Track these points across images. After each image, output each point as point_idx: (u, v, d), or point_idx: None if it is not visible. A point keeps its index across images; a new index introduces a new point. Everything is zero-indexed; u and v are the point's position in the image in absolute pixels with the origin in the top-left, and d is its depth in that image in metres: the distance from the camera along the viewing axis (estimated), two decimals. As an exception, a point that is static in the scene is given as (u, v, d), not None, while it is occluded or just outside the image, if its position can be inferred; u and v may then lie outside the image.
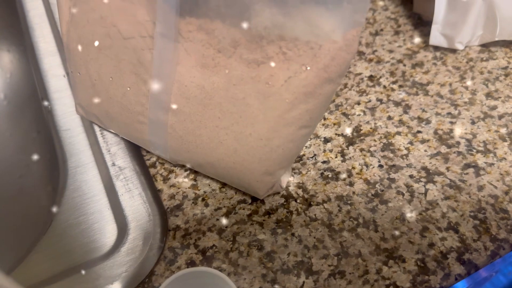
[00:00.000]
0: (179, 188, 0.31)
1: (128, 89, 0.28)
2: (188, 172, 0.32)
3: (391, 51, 0.40)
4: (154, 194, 0.31)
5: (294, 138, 0.26)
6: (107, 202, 0.30)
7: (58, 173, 0.32)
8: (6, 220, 0.49)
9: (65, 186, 0.31)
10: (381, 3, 0.44)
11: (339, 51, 0.23)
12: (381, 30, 0.42)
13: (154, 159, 0.33)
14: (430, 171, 0.32)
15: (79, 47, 0.29)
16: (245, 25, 0.24)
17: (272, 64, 0.24)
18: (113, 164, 0.32)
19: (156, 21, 0.25)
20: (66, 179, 0.31)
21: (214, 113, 0.26)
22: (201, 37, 0.25)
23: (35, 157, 0.55)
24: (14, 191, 0.53)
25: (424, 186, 0.31)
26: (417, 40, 0.41)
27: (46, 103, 0.36)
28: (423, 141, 0.33)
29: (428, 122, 0.34)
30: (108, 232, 0.29)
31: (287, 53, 0.24)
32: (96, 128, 0.34)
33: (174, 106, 0.27)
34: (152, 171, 0.32)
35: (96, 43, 0.28)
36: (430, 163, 0.32)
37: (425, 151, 0.33)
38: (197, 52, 0.26)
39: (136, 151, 0.33)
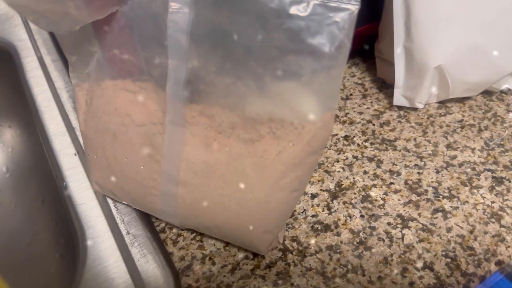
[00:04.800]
0: (187, 250, 0.35)
1: (142, 167, 0.33)
2: (194, 234, 0.36)
3: (361, 113, 0.46)
4: (166, 257, 0.34)
5: (287, 200, 0.31)
6: (125, 268, 0.34)
7: (78, 245, 0.36)
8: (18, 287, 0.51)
9: (86, 256, 0.35)
10: (348, 70, 0.51)
11: (318, 129, 0.28)
12: (351, 94, 0.48)
13: (163, 224, 0.37)
14: (405, 218, 0.37)
15: (96, 134, 0.34)
16: (240, 111, 0.29)
17: (265, 141, 0.29)
18: (128, 233, 0.36)
19: (166, 112, 0.31)
20: (86, 249, 0.35)
21: (218, 184, 0.31)
22: (204, 121, 0.30)
23: (41, 225, 0.58)
24: (23, 259, 0.56)
25: (401, 231, 0.36)
26: (383, 101, 0.47)
27: (63, 183, 0.40)
28: (396, 191, 0.38)
29: (398, 174, 0.40)
30: (128, 297, 0.32)
31: (276, 132, 0.29)
32: (110, 201, 0.38)
33: (183, 180, 0.32)
34: (162, 236, 0.36)
35: (112, 131, 0.33)
36: (404, 210, 0.37)
37: (399, 200, 0.38)
38: (201, 134, 0.31)
39: (147, 219, 0.37)
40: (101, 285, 0.33)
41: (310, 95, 0.27)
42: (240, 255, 0.34)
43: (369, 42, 0.49)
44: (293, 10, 0.25)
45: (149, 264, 0.34)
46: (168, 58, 0.29)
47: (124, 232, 0.36)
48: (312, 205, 0.38)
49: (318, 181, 0.39)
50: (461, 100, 0.47)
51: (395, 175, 0.40)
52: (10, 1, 0.26)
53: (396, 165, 0.41)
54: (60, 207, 0.43)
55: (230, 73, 0.28)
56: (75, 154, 0.42)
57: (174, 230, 0.36)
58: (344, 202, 0.38)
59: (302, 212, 0.37)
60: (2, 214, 0.60)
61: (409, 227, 0.36)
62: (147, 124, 0.32)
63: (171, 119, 0.31)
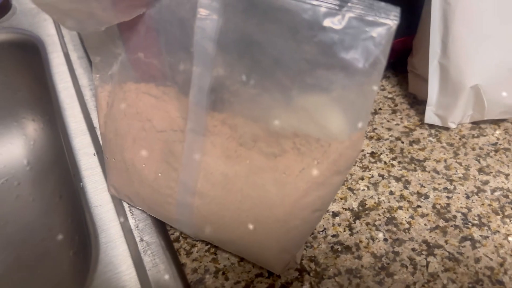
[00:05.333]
0: (201, 262, 0.34)
1: (159, 174, 0.32)
2: (209, 246, 0.35)
3: (389, 129, 0.44)
4: (179, 268, 0.33)
5: (308, 220, 0.29)
6: (136, 277, 0.33)
7: (91, 248, 0.35)
8: (31, 282, 0.51)
9: (97, 261, 0.34)
10: (379, 84, 0.49)
11: (346, 149, 0.26)
12: (380, 109, 0.46)
13: (177, 233, 0.36)
14: (430, 244, 0.35)
15: (116, 137, 0.33)
16: (264, 124, 0.28)
17: (288, 157, 0.28)
18: (141, 240, 0.35)
19: (187, 119, 0.30)
20: (98, 253, 0.34)
21: (236, 197, 0.30)
22: (225, 131, 0.29)
23: (57, 220, 0.58)
24: (36, 254, 0.56)
25: (426, 258, 0.34)
26: (413, 118, 0.45)
27: (80, 183, 0.39)
28: (422, 215, 0.37)
29: (426, 197, 0.38)
30: (137, 307, 0.31)
31: (301, 149, 0.27)
32: (125, 205, 0.37)
33: (200, 190, 0.31)
34: (176, 245, 0.35)
35: (132, 135, 0.32)
36: (430, 236, 0.35)
37: (425, 224, 0.36)
38: (222, 145, 0.30)
39: (162, 227, 0.36)
40: (114, 286, 0.32)
41: (339, 112, 0.26)
42: (255, 272, 0.33)
43: (402, 56, 0.47)
44: (327, 22, 0.23)
45: (160, 275, 0.33)
46: (193, 65, 0.27)
47: (137, 239, 0.35)
48: (333, 224, 0.36)
49: (341, 198, 0.38)
50: (496, 122, 0.44)
51: (422, 197, 0.38)
52: (36, 0, 0.25)
53: (424, 187, 0.39)
54: (77, 204, 0.42)
55: (256, 84, 0.27)
56: (94, 155, 0.42)
57: (189, 240, 0.35)
58: (367, 223, 0.36)
59: (322, 231, 0.35)
60: (20, 207, 0.60)
61: (434, 255, 0.34)
62: (168, 130, 0.31)
63: (192, 127, 0.30)
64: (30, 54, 0.59)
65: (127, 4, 0.27)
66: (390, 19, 0.23)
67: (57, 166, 0.60)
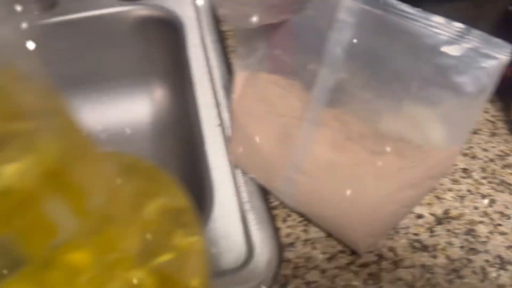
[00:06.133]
0: (293, 230, 0.40)
1: (274, 151, 0.38)
2: (302, 218, 0.41)
3: (485, 150, 0.46)
4: (275, 231, 0.40)
5: (397, 213, 0.34)
6: (242, 230, 0.40)
7: (206, 202, 0.43)
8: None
9: (211, 211, 0.41)
10: (483, 105, 0.51)
11: (443, 158, 0.31)
12: (479, 130, 0.48)
13: (276, 203, 0.42)
14: (504, 260, 0.37)
15: (243, 115, 0.40)
16: (372, 124, 0.33)
17: (389, 156, 0.33)
18: (248, 201, 0.42)
19: (306, 110, 0.35)
20: (212, 207, 0.42)
21: (335, 182, 0.35)
22: (336, 125, 0.35)
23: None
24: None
25: (497, 271, 0.37)
26: (511, 144, 0.47)
27: (203, 147, 0.47)
28: (502, 233, 0.39)
29: (509, 217, 0.40)
30: (238, 255, 0.38)
31: (401, 151, 0.32)
32: (238, 171, 0.44)
33: (306, 170, 0.37)
34: (274, 212, 0.42)
35: (257, 115, 0.39)
36: (506, 253, 0.38)
37: (502, 242, 0.39)
38: (331, 136, 0.35)
39: (264, 195, 0.43)
40: (219, 241, 0.39)
41: (442, 125, 0.30)
42: (339, 248, 0.38)
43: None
44: (446, 49, 0.28)
45: (260, 232, 0.39)
46: (321, 67, 0.33)
47: (244, 200, 0.42)
48: (416, 224, 0.40)
49: (427, 204, 0.42)
50: None
51: (505, 218, 0.40)
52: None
53: (509, 208, 0.41)
54: (195, 166, 0.50)
55: (373, 90, 0.32)
56: (217, 126, 0.50)
57: (285, 210, 0.42)
58: (448, 230, 0.40)
59: (405, 228, 0.40)
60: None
61: (506, 270, 0.37)
62: (287, 116, 0.37)
63: (309, 118, 0.35)
64: (169, 31, 0.68)
65: (278, 11, 0.34)
66: (503, 54, 0.27)
67: (173, 132, 0.69)
